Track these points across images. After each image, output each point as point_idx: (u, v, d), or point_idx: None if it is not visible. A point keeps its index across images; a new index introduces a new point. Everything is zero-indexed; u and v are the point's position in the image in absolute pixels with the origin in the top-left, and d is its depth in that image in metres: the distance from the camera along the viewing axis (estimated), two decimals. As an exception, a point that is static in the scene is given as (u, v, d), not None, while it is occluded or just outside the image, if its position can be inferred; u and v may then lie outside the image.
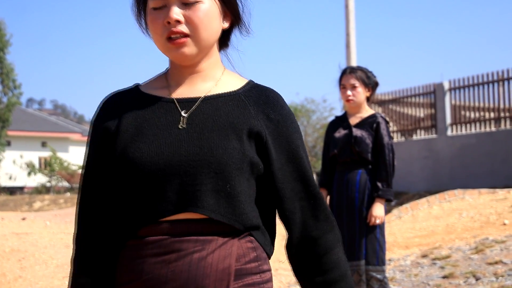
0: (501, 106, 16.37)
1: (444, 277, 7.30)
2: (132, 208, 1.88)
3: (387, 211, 14.42)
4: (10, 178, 45.41)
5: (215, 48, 2.01)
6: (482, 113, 17.02)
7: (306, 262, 2.02)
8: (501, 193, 12.87)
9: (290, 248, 2.03)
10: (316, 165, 43.58)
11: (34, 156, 50.30)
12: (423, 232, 11.01)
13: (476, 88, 16.93)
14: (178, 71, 1.98)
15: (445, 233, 10.50)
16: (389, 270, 8.03)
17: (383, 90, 19.82)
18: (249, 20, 2.05)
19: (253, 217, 1.90)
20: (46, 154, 49.15)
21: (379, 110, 19.57)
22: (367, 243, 5.19)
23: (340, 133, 5.43)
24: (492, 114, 16.68)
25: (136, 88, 2.04)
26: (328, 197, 5.50)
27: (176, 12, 1.86)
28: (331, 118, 5.79)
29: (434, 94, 18.00)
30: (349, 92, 5.39)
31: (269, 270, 2.00)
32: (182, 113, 1.91)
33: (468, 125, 17.11)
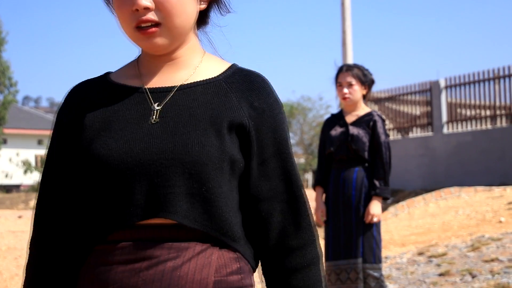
0: (497, 103, 16.39)
1: (440, 274, 7.32)
2: (99, 211, 1.66)
3: (383, 209, 14.44)
4: (6, 176, 45.33)
5: (192, 32, 1.78)
6: (478, 111, 17.04)
7: (280, 276, 1.75)
8: (497, 190, 12.90)
9: (263, 258, 1.76)
10: (312, 162, 43.67)
11: (31, 154, 50.24)
12: (419, 230, 11.02)
13: (472, 86, 16.95)
14: (151, 58, 1.76)
15: (441, 231, 10.51)
16: (386, 268, 8.04)
17: (379, 88, 19.86)
18: None
19: (234, 224, 1.67)
20: (42, 152, 49.06)
21: (375, 108, 19.58)
22: (364, 241, 5.20)
23: (337, 131, 5.41)
24: (488, 112, 16.70)
25: (105, 76, 1.82)
26: (324, 195, 5.50)
27: None
28: (327, 116, 5.77)
29: (430, 92, 18.02)
30: (345, 90, 5.37)
31: (252, 286, 1.73)
32: (155, 105, 1.68)
33: (464, 123, 17.13)
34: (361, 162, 5.32)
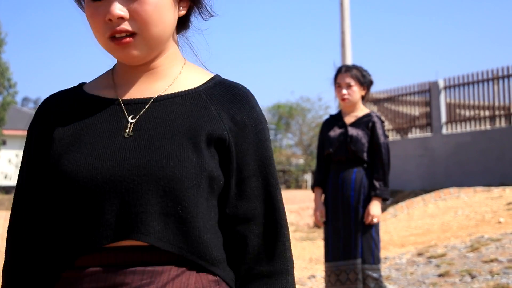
0: (496, 104, 16.40)
1: (440, 275, 7.32)
2: (67, 233, 1.51)
3: (383, 210, 14.44)
4: (6, 177, 45.36)
5: (172, 39, 1.65)
6: (477, 112, 17.05)
7: None
8: (496, 191, 12.90)
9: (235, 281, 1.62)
10: (311, 163, 43.65)
11: (29, 155, 50.11)
12: (419, 231, 11.03)
13: (471, 86, 16.96)
14: (127, 68, 1.63)
15: (441, 232, 10.51)
16: (385, 269, 8.04)
17: (379, 88, 19.85)
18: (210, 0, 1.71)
19: (213, 247, 1.53)
20: (41, 153, 49.01)
21: (374, 108, 19.59)
22: (363, 241, 5.19)
23: (335, 132, 5.41)
24: (487, 112, 16.71)
25: (79, 87, 1.69)
26: (323, 196, 5.50)
27: (119, 7, 1.50)
28: (326, 116, 5.76)
29: (429, 92, 18.03)
30: (344, 91, 5.37)
31: None
32: (129, 118, 1.56)
33: (463, 123, 17.14)
34: (360, 163, 5.32)
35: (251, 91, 1.65)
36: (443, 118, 17.52)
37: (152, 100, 1.58)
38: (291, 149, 53.65)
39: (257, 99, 1.64)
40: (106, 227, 1.47)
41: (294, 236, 12.32)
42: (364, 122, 5.38)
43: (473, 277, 6.98)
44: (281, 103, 53.54)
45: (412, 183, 17.47)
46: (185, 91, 1.60)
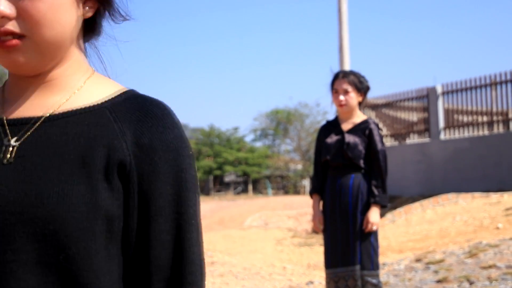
0: (494, 109, 16.41)
1: (438, 281, 7.30)
2: None
3: (381, 215, 14.43)
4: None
5: (75, 46, 1.32)
6: (475, 117, 17.06)
7: None
8: (494, 197, 12.89)
9: None
10: (309, 169, 43.65)
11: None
12: (417, 236, 11.01)
13: (469, 92, 16.97)
14: (18, 79, 1.30)
15: (439, 237, 10.50)
16: (383, 275, 8.03)
17: (376, 94, 19.87)
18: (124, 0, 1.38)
19: None
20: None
21: (372, 114, 19.59)
22: (361, 248, 5.17)
23: (332, 138, 5.39)
24: (485, 118, 16.72)
25: None
26: (321, 203, 5.48)
27: (4, 4, 1.18)
28: (323, 122, 5.73)
29: (427, 98, 18.04)
30: (341, 97, 5.34)
31: None
32: (12, 140, 1.22)
33: (461, 129, 17.15)
34: (357, 169, 5.29)
35: (171, 109, 1.29)
36: (441, 123, 17.53)
37: (42, 119, 1.25)
38: (289, 154, 53.75)
39: (178, 119, 1.29)
40: None
41: (292, 242, 12.32)
42: (361, 129, 5.35)
43: (471, 283, 6.97)
44: (279, 109, 53.63)
45: (410, 189, 17.46)
46: (85, 107, 1.26)
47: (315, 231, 5.83)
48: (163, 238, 1.21)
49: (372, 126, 5.35)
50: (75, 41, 1.31)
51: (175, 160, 1.23)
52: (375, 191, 5.19)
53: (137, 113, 1.24)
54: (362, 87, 5.40)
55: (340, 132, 5.39)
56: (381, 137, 5.39)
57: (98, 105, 1.26)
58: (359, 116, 5.47)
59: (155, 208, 1.21)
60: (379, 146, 5.29)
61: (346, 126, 5.41)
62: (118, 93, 1.29)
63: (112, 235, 1.19)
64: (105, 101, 1.27)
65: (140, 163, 1.20)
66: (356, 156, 5.25)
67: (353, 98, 5.36)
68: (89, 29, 1.37)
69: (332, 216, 5.32)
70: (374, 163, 5.27)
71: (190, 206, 1.24)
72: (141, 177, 1.20)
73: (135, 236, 1.21)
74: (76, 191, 1.15)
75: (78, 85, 1.31)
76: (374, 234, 5.25)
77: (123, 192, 1.20)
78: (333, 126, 5.49)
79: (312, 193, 5.54)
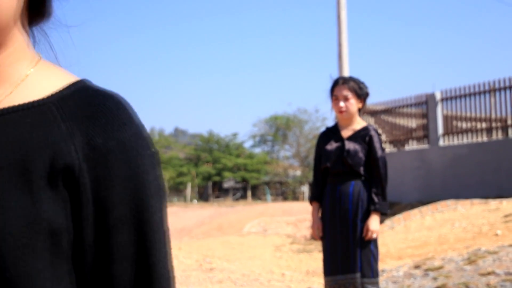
0: (493, 116, 16.41)
1: (437, 288, 7.29)
2: None
3: (380, 222, 14.40)
4: None
5: (17, 29, 1.09)
6: (474, 124, 17.06)
7: None
8: (493, 203, 12.89)
9: None
10: (308, 175, 43.61)
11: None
12: (416, 243, 11.00)
13: (467, 98, 16.98)
14: None
15: (438, 244, 10.49)
16: (382, 281, 8.01)
17: (376, 100, 19.87)
18: None
19: None
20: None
21: (371, 120, 19.59)
22: (362, 255, 5.15)
23: (332, 145, 5.34)
24: (483, 124, 16.72)
25: None
26: (321, 210, 5.46)
27: None
28: (323, 129, 5.71)
29: (426, 104, 18.04)
30: (341, 104, 5.30)
31: None
32: None
33: (460, 135, 17.15)
34: (357, 176, 5.25)
35: (127, 101, 1.11)
36: (440, 130, 17.53)
37: None
38: (288, 160, 53.69)
39: (135, 114, 1.11)
40: None
41: (291, 248, 12.31)
42: (361, 136, 5.31)
43: (470, 290, 6.95)
44: (278, 115, 53.62)
45: (409, 195, 17.45)
46: (28, 103, 1.06)
47: (313, 238, 5.79)
48: (125, 251, 1.03)
49: (372, 133, 5.32)
50: (17, 24, 1.10)
51: (134, 161, 1.04)
52: (375, 199, 5.15)
53: (88, 109, 1.04)
54: (362, 94, 5.36)
55: (340, 139, 5.35)
56: (381, 144, 5.36)
57: (43, 100, 1.06)
58: (359, 123, 5.43)
59: (115, 217, 1.02)
60: (379, 153, 5.26)
61: (346, 133, 5.37)
62: (66, 84, 1.09)
63: (59, 252, 1.00)
64: (51, 95, 1.07)
65: (94, 167, 1.01)
66: (356, 163, 5.22)
67: (353, 104, 5.32)
68: (36, 10, 1.15)
69: (332, 223, 5.28)
70: (374, 170, 5.24)
71: (155, 212, 1.05)
72: (96, 183, 1.02)
73: (93, 250, 1.02)
74: (13, 202, 0.98)
75: (21, 76, 1.10)
76: (374, 241, 5.22)
77: (74, 202, 1.02)
78: (332, 132, 5.45)
79: (311, 200, 5.50)
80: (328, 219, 5.31)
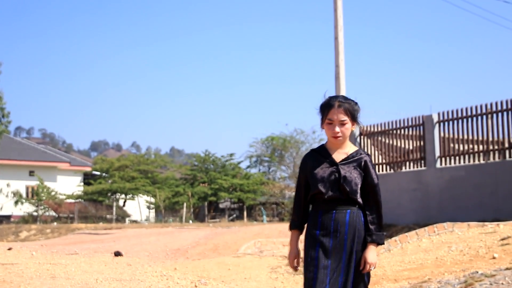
0: (490, 138, 16.42)
1: (434, 311, 7.24)
2: None
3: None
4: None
5: None
6: (471, 146, 17.06)
7: None
8: (490, 226, 12.86)
9: None
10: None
11: (21, 185, 50.09)
12: (412, 265, 10.95)
13: (465, 120, 17.00)
14: None
15: (434, 267, 10.44)
16: (378, 304, 7.95)
17: (372, 121, 19.87)
18: None
19: None
20: (33, 183, 48.98)
21: (368, 142, 19.60)
22: (354, 286, 4.83)
23: (325, 170, 4.95)
24: (481, 147, 16.72)
25: None
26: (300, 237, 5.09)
27: None
28: (308, 151, 5.22)
29: (423, 126, 18.05)
30: (337, 129, 4.92)
31: None
32: None
33: (457, 158, 17.15)
34: (352, 204, 4.90)
35: None
36: (437, 152, 17.53)
37: None
38: (285, 181, 53.59)
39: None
40: None
41: (286, 270, 12.22)
42: (356, 161, 4.97)
43: (467, 313, 6.90)
44: (275, 135, 53.64)
45: (406, 217, 17.41)
46: None
47: (292, 268, 5.37)
48: None
49: (367, 158, 5.00)
50: None
51: None
52: (372, 229, 4.87)
53: None
54: (357, 116, 5.00)
55: (333, 163, 4.95)
56: (375, 169, 5.06)
57: None
58: (350, 146, 5.07)
59: None
60: (375, 180, 4.95)
61: (338, 157, 4.99)
62: None
63: None
64: None
65: None
66: (353, 190, 4.87)
67: (349, 129, 4.95)
68: None
69: (324, 253, 4.87)
70: (370, 197, 4.93)
71: None
72: None
73: None
74: None
75: None
76: (368, 273, 4.92)
77: None
78: (322, 155, 5.04)
79: (292, 227, 5.10)
80: (318, 249, 4.89)
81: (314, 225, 4.95)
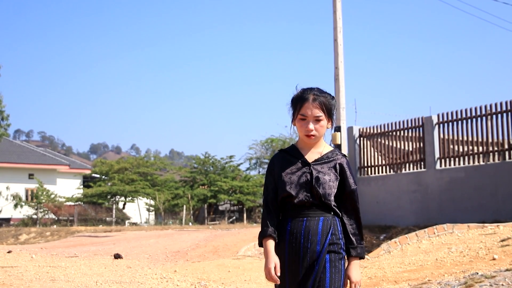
0: (490, 140, 16.41)
1: (434, 313, 7.23)
2: None
3: (376, 245, 14.35)
4: (-2, 210, 45.23)
5: None
6: (470, 147, 17.05)
7: None
8: (490, 227, 12.85)
9: None
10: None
11: (21, 188, 50.12)
12: (412, 267, 10.94)
13: (464, 122, 16.99)
14: None
15: (434, 268, 10.43)
16: (379, 306, 7.94)
17: (372, 123, 19.85)
18: None
19: None
20: (33, 186, 48.99)
21: (367, 143, 19.59)
22: None
23: (295, 171, 4.32)
24: (480, 148, 16.71)
25: None
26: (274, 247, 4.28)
27: None
28: (276, 152, 4.53)
29: (422, 127, 18.05)
30: (311, 126, 4.26)
31: None
32: None
33: (456, 159, 17.14)
34: (326, 210, 4.24)
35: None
36: (437, 153, 17.52)
37: None
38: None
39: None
40: None
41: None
42: (331, 161, 4.33)
43: (468, 315, 6.90)
44: (274, 137, 53.63)
45: (406, 218, 17.39)
46: None
47: (270, 281, 4.30)
48: None
49: (344, 160, 4.36)
50: None
51: None
52: (354, 240, 4.24)
53: None
54: (333, 113, 4.37)
55: (305, 163, 4.32)
56: (352, 172, 4.38)
57: None
58: (323, 145, 4.42)
59: None
60: (353, 185, 4.30)
61: (311, 157, 4.36)
62: None
63: None
64: None
65: None
66: (327, 193, 4.21)
67: (324, 127, 4.31)
68: None
69: (293, 266, 4.20)
70: (348, 204, 4.29)
71: None
72: None
73: None
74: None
75: None
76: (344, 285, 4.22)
77: None
78: (292, 156, 4.39)
79: (263, 237, 4.30)
80: (287, 262, 4.23)
81: (282, 235, 4.27)
